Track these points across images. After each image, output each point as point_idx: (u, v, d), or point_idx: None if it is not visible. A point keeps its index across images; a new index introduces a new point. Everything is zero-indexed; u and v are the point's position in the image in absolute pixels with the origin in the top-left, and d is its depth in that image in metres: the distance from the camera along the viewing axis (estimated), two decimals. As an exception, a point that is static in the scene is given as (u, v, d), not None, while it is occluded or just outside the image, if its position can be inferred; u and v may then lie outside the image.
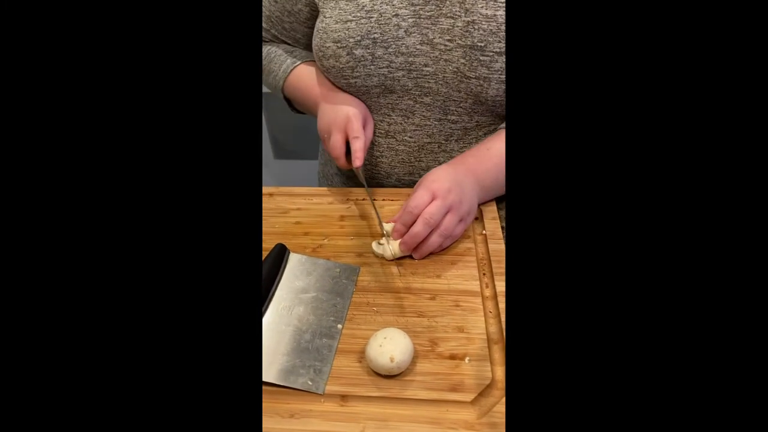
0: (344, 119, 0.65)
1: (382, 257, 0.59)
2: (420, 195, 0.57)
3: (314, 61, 0.76)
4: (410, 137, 0.70)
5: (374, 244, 0.60)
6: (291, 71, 0.74)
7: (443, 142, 0.69)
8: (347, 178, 0.79)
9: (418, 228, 0.56)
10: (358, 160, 0.62)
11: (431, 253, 0.59)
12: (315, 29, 0.68)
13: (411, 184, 0.72)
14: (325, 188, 0.72)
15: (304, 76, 0.74)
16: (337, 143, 0.65)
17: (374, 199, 0.67)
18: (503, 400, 0.43)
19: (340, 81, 0.67)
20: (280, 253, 0.57)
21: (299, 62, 0.75)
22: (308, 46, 0.79)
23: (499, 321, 0.50)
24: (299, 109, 0.80)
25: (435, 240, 0.57)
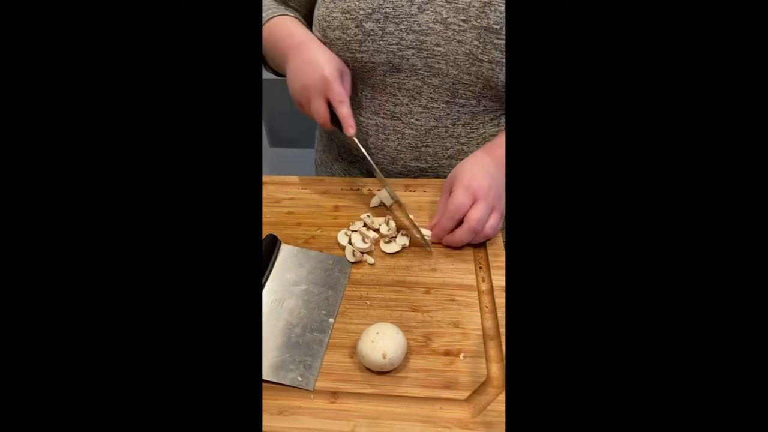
0: (321, 82, 0.59)
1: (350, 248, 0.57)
2: (460, 197, 0.55)
3: (297, 18, 0.71)
4: (417, 120, 0.67)
5: (340, 235, 0.58)
6: (266, 23, 0.69)
7: (450, 126, 0.67)
8: (349, 164, 0.77)
9: (462, 235, 0.55)
10: (351, 128, 0.59)
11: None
12: None
13: (417, 170, 0.71)
14: (319, 177, 0.70)
15: (275, 27, 0.67)
16: (320, 110, 0.61)
17: (381, 175, 0.64)
18: (498, 398, 0.42)
19: (345, 55, 0.63)
20: (271, 244, 0.56)
21: (278, 14, 0.69)
22: (298, 9, 0.74)
23: (495, 316, 0.49)
24: (271, 66, 0.74)
25: (479, 239, 0.56)
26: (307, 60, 0.61)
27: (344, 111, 0.59)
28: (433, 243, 0.58)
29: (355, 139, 0.60)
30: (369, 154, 0.62)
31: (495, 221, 0.56)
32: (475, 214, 0.54)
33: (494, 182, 0.57)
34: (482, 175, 0.57)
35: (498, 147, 0.62)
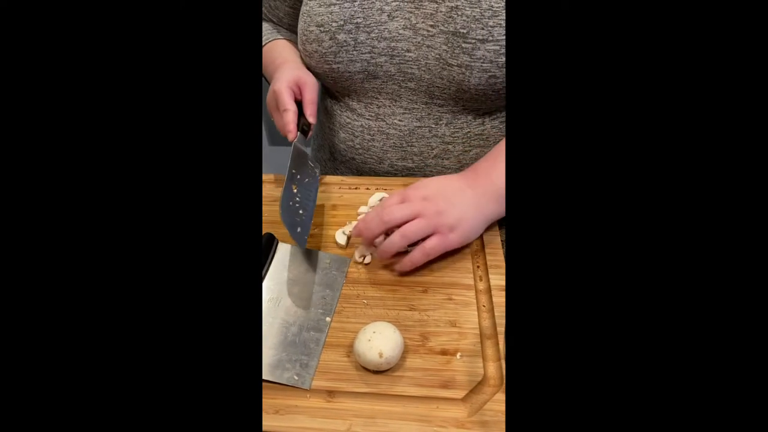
0: (273, 98, 0.64)
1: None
2: (392, 196, 0.54)
3: (290, 40, 0.76)
4: (400, 120, 0.68)
5: (338, 234, 0.58)
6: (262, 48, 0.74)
7: (433, 126, 0.68)
8: (340, 162, 0.77)
9: (373, 223, 0.51)
10: (290, 133, 0.60)
11: (406, 272, 0.53)
12: (300, 13, 0.67)
13: (404, 170, 0.71)
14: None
15: (266, 53, 0.73)
16: (277, 122, 0.64)
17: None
18: (495, 397, 0.42)
19: (323, 66, 0.66)
20: (269, 243, 0.55)
21: (271, 39, 0.74)
22: (291, 27, 0.78)
23: (493, 316, 0.49)
24: None
25: (395, 239, 0.51)
26: (277, 75, 0.65)
27: (286, 118, 0.60)
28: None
29: (294, 145, 0.60)
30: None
31: (416, 226, 0.50)
32: (391, 207, 0.51)
33: (438, 197, 0.52)
34: (429, 186, 0.54)
35: (485, 161, 0.58)
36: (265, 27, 0.79)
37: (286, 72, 0.64)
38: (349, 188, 0.67)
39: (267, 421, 0.41)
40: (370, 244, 0.54)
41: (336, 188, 0.67)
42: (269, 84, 0.78)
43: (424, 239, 0.51)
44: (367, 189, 0.67)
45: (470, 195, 0.54)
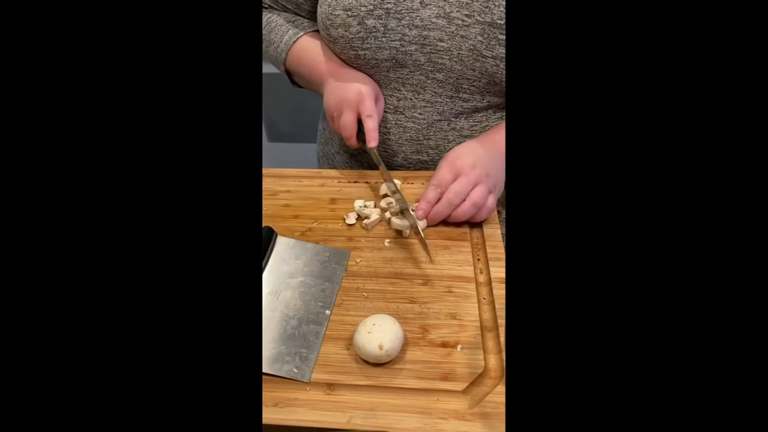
0: (356, 97, 0.62)
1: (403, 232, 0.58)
2: (443, 173, 0.58)
3: (318, 31, 0.72)
4: (420, 114, 0.67)
5: (394, 219, 0.58)
6: (293, 43, 0.70)
7: (453, 119, 0.67)
8: (350, 156, 0.76)
9: (441, 208, 0.57)
10: (373, 140, 0.60)
11: (464, 221, 0.59)
12: None
13: (418, 163, 0.70)
14: (316, 170, 0.70)
15: (309, 50, 0.70)
16: (348, 122, 0.63)
17: (392, 180, 0.63)
18: (496, 389, 0.42)
19: (349, 52, 0.64)
20: (268, 236, 0.55)
21: (302, 33, 0.70)
22: (311, 14, 0.74)
23: (493, 308, 0.48)
24: (300, 83, 0.76)
25: (468, 209, 0.57)
26: (348, 79, 0.65)
27: (370, 125, 0.61)
28: (426, 227, 0.59)
29: (375, 151, 0.62)
30: (383, 161, 0.64)
31: (479, 192, 0.57)
32: (453, 186, 0.57)
33: (481, 161, 0.59)
34: (469, 154, 0.59)
35: (498, 132, 0.63)
36: (284, 17, 0.74)
37: (366, 79, 0.64)
38: (348, 181, 0.67)
39: (266, 414, 0.40)
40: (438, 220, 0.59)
41: (335, 182, 0.67)
42: (291, 82, 0.76)
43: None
44: (366, 183, 0.67)
45: (494, 155, 0.61)
